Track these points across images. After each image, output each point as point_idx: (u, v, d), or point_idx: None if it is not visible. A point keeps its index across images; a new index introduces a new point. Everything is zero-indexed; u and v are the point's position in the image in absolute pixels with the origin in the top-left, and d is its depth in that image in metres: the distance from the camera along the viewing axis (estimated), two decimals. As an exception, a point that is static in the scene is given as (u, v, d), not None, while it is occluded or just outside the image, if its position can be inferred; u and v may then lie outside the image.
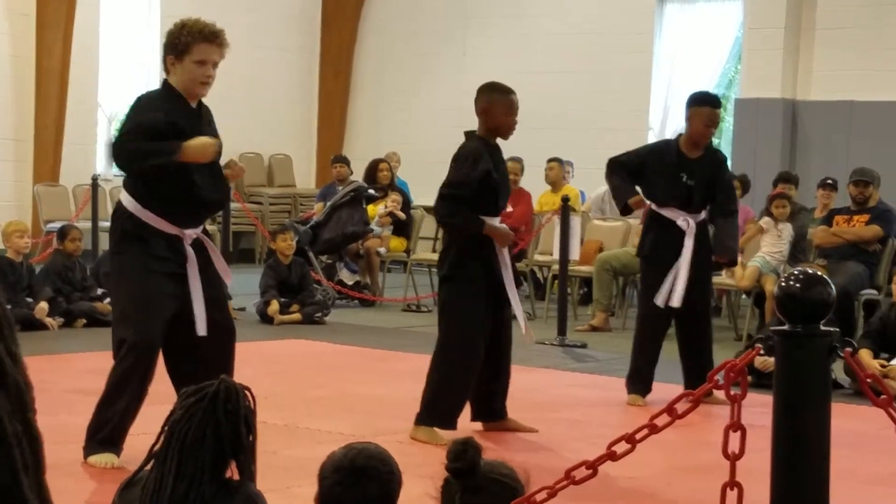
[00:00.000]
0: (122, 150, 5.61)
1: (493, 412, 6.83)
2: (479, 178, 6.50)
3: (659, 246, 7.83)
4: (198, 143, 5.48)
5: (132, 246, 5.63)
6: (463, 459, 2.72)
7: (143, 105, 5.68)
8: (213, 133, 5.74)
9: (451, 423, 6.55)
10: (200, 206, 5.73)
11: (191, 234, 5.68)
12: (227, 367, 5.59)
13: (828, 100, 14.79)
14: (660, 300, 7.71)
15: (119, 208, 5.72)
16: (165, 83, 5.71)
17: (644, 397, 7.80)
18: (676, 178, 7.78)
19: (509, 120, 6.64)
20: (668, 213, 7.83)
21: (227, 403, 2.68)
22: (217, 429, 2.67)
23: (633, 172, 7.98)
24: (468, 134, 6.79)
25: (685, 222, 7.77)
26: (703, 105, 7.82)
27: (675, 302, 7.70)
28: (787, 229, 11.00)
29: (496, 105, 6.63)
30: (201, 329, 5.62)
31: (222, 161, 5.76)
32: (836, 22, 14.80)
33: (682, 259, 7.70)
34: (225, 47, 5.64)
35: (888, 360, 8.44)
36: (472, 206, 6.56)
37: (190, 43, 5.56)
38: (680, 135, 8.10)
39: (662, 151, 7.97)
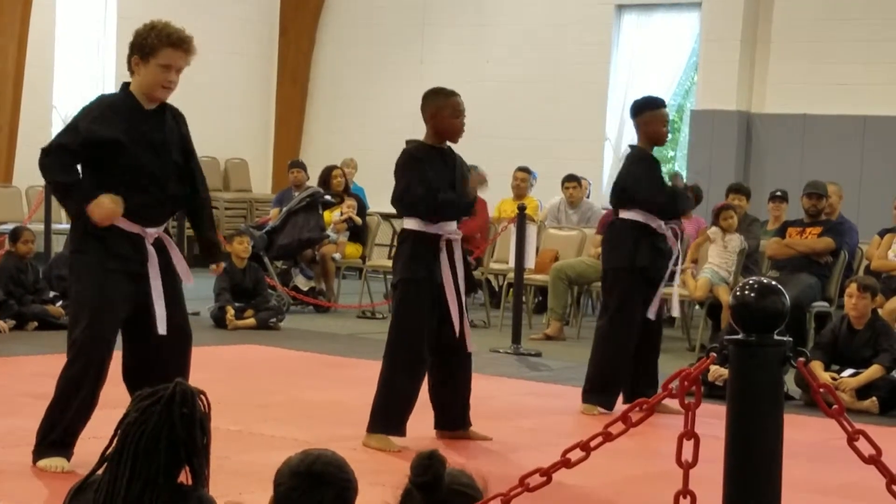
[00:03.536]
0: (46, 159, 5.62)
1: (453, 421, 6.82)
2: (417, 174, 6.53)
3: (656, 257, 7.78)
4: (104, 210, 5.49)
5: (92, 245, 5.59)
6: (429, 473, 2.72)
7: (92, 111, 5.62)
8: (178, 136, 5.73)
9: (398, 430, 6.54)
10: (160, 204, 5.69)
11: (152, 232, 5.65)
12: (182, 371, 5.56)
13: (782, 112, 14.92)
14: (651, 313, 7.72)
15: None
16: (126, 89, 5.68)
17: (610, 410, 7.77)
18: (661, 185, 7.84)
19: (456, 122, 6.65)
20: (651, 220, 7.82)
21: (182, 407, 2.67)
22: (172, 432, 2.66)
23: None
24: (409, 143, 6.81)
25: (666, 229, 7.80)
26: (658, 108, 7.90)
27: (651, 314, 7.78)
28: (734, 241, 11.05)
29: (442, 109, 6.64)
30: (161, 328, 5.58)
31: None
32: (792, 36, 14.94)
33: (672, 267, 7.74)
34: (191, 54, 5.63)
35: (838, 372, 8.51)
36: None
37: (157, 46, 5.54)
38: (634, 145, 8.10)
39: (652, 160, 7.91)
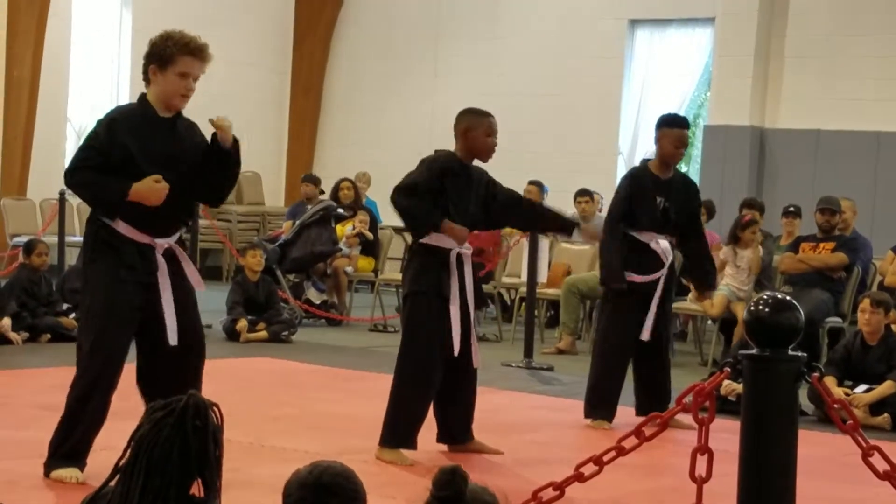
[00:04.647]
0: (73, 179, 5.63)
1: (454, 434, 6.81)
2: (429, 181, 6.54)
3: (634, 272, 7.80)
4: (146, 187, 5.50)
5: (105, 255, 5.60)
6: (450, 489, 2.71)
7: (107, 125, 5.63)
8: (190, 146, 5.72)
9: (409, 443, 6.54)
10: (170, 215, 5.70)
11: (162, 243, 5.66)
12: (195, 381, 5.56)
13: (795, 128, 14.90)
14: (646, 334, 7.71)
15: (93, 216, 5.70)
16: (142, 98, 5.69)
17: (610, 423, 7.79)
18: (653, 201, 7.81)
19: (489, 141, 6.70)
20: (643, 236, 7.82)
21: (195, 419, 2.67)
22: (185, 444, 2.65)
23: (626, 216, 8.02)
24: (437, 152, 6.83)
25: (657, 245, 7.79)
26: (673, 126, 7.87)
27: (645, 335, 7.74)
28: (745, 257, 11.02)
29: (477, 127, 6.68)
30: (172, 339, 5.58)
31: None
32: (805, 51, 14.92)
33: (658, 290, 7.72)
34: (207, 62, 5.65)
35: (851, 387, 8.49)
36: None
37: (174, 54, 5.56)
38: (648, 159, 8.14)
39: (639, 177, 7.97)
